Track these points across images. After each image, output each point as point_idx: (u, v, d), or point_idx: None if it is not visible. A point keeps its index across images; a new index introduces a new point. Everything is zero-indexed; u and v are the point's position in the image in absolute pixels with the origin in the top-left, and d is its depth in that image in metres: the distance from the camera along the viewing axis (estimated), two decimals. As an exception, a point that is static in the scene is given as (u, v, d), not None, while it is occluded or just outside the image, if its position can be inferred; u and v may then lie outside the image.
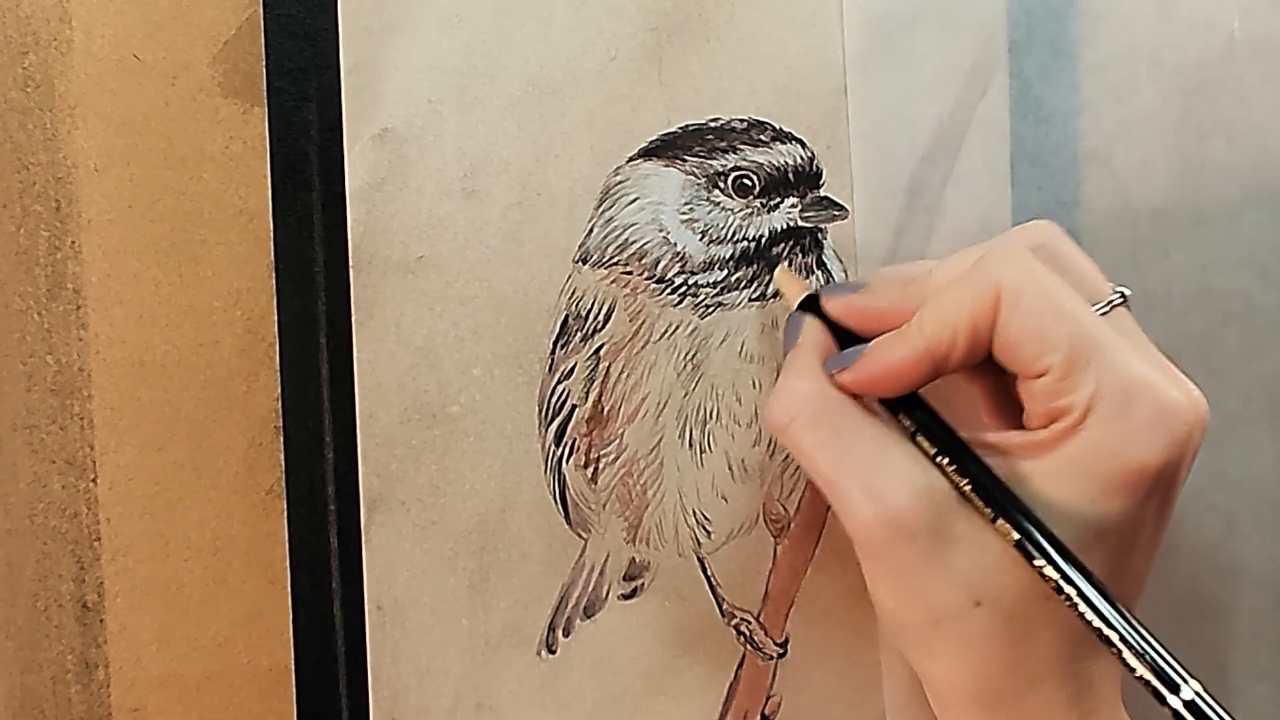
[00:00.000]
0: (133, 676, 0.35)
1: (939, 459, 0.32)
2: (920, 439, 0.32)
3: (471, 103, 0.36)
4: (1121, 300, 0.33)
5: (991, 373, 0.34)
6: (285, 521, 0.35)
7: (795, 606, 0.39)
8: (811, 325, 0.34)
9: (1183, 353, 0.40)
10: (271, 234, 0.35)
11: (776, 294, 0.38)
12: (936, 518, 0.31)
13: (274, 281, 0.35)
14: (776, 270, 0.37)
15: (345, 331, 0.35)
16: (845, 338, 0.34)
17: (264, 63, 0.35)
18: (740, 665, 0.39)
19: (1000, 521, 0.30)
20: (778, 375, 0.38)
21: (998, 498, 0.31)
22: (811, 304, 0.35)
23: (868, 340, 0.33)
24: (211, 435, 0.35)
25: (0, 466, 0.34)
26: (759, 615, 0.39)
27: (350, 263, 0.35)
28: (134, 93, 0.34)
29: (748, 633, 0.39)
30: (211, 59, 0.35)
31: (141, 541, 0.35)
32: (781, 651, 0.39)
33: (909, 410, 0.32)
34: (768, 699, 0.39)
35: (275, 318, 0.35)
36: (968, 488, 0.31)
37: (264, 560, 0.35)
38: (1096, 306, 0.32)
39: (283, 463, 0.35)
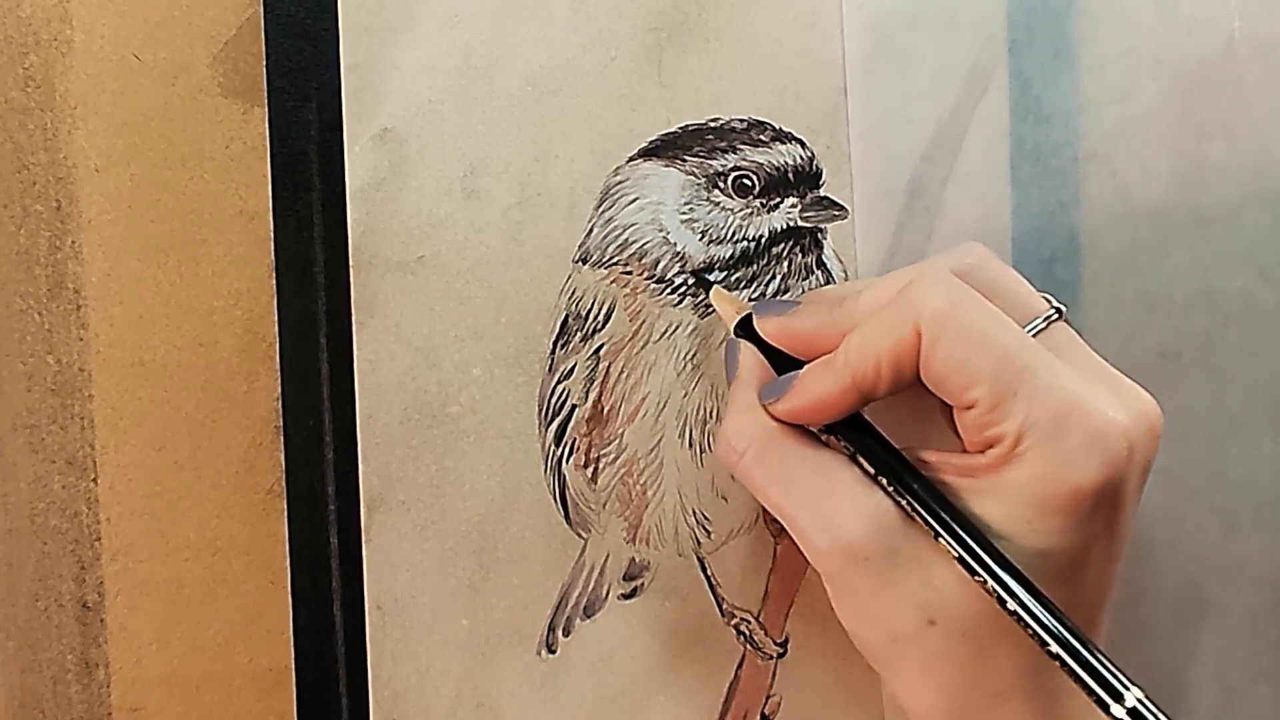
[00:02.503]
0: (133, 676, 0.35)
1: (879, 479, 0.32)
2: (860, 460, 0.32)
3: (471, 103, 0.36)
4: (1058, 315, 0.33)
5: None
6: (285, 521, 0.35)
7: (795, 606, 0.39)
8: (747, 352, 0.34)
9: (1183, 353, 0.40)
10: (271, 234, 0.35)
11: (776, 294, 0.38)
12: (887, 540, 0.31)
13: (274, 281, 0.35)
14: (712, 291, 0.37)
15: (345, 331, 0.35)
16: (780, 360, 0.34)
17: (264, 63, 0.35)
18: (740, 665, 0.39)
19: (942, 540, 0.31)
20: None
21: (937, 515, 0.31)
22: (747, 324, 0.35)
23: (802, 363, 0.33)
24: (211, 435, 0.35)
25: (0, 466, 0.34)
26: (759, 615, 0.39)
27: (350, 263, 0.35)
28: (134, 93, 0.34)
29: (748, 632, 0.39)
30: (211, 59, 0.35)
31: (141, 541, 0.35)
32: (781, 651, 0.39)
33: (846, 433, 0.32)
34: (768, 699, 0.39)
35: (275, 318, 0.35)
36: (909, 506, 0.31)
37: (264, 560, 0.35)
38: (1031, 325, 0.32)
39: (283, 463, 0.35)
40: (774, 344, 0.34)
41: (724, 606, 0.38)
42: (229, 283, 0.35)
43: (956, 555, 0.30)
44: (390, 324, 0.36)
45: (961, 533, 0.30)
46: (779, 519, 0.33)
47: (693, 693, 0.38)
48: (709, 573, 0.38)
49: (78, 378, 0.34)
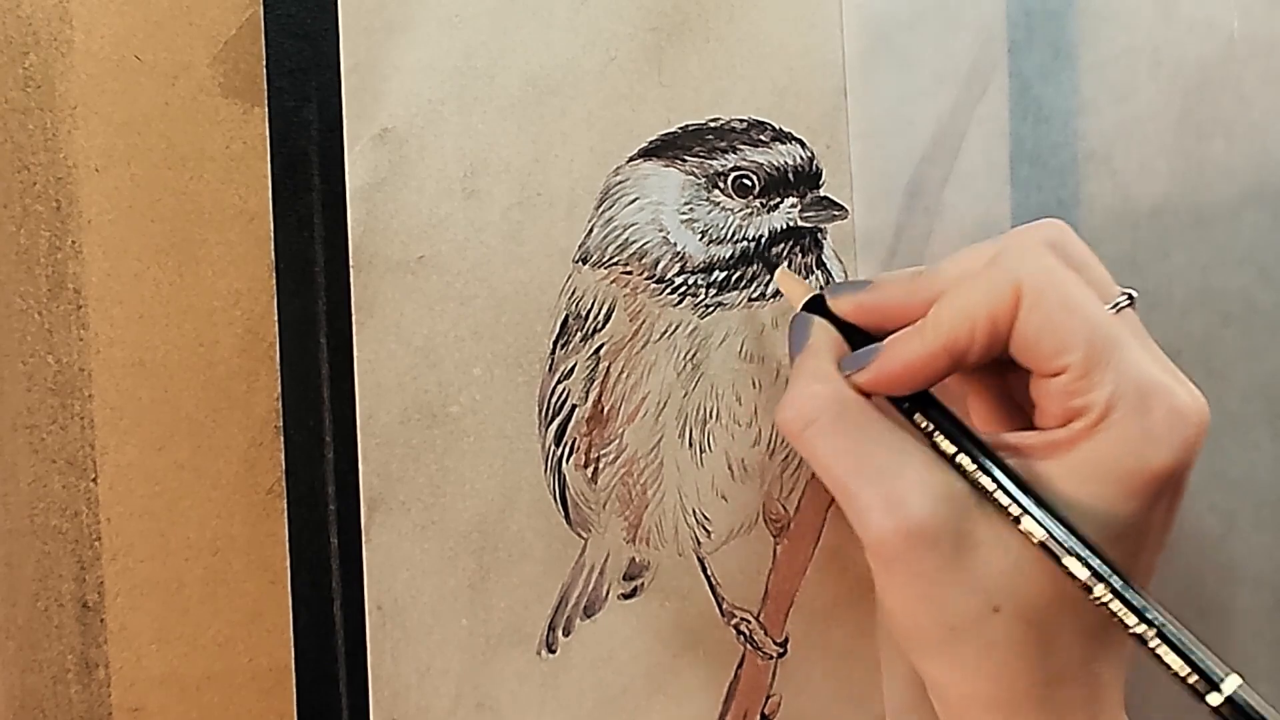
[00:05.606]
0: (133, 676, 0.35)
1: (958, 459, 0.31)
2: (939, 439, 0.31)
3: (471, 103, 0.36)
4: (1129, 302, 0.33)
5: (985, 375, 0.34)
6: (285, 521, 0.35)
7: (795, 606, 0.39)
8: (821, 326, 0.34)
9: (1183, 353, 0.40)
10: (271, 234, 0.35)
11: (777, 293, 0.38)
12: (958, 523, 0.30)
13: (274, 281, 0.35)
14: (777, 272, 0.37)
15: (345, 331, 0.35)
16: (855, 337, 0.33)
17: (264, 63, 0.35)
18: (740, 665, 0.39)
19: (1025, 522, 0.30)
20: (779, 377, 0.38)
21: (1022, 497, 0.30)
22: (816, 305, 0.34)
23: (877, 339, 0.33)
24: (211, 435, 0.35)
25: (0, 466, 0.34)
26: (759, 615, 0.39)
27: (350, 263, 0.35)
28: (134, 93, 0.34)
29: (747, 632, 0.39)
30: (211, 59, 0.35)
31: (141, 541, 0.35)
32: (781, 651, 0.39)
33: (926, 410, 0.32)
34: (767, 698, 0.39)
35: (275, 318, 0.35)
36: (991, 488, 0.30)
37: (264, 560, 0.35)
38: (1107, 307, 0.32)
39: (283, 463, 0.35)
40: (850, 321, 0.33)
41: (724, 606, 0.38)
42: (229, 283, 0.35)
43: (1038, 540, 0.30)
44: (390, 324, 0.36)
45: (1047, 516, 0.30)
46: (835, 494, 0.31)
47: (693, 693, 0.38)
48: (709, 573, 0.38)
49: (78, 378, 0.34)
